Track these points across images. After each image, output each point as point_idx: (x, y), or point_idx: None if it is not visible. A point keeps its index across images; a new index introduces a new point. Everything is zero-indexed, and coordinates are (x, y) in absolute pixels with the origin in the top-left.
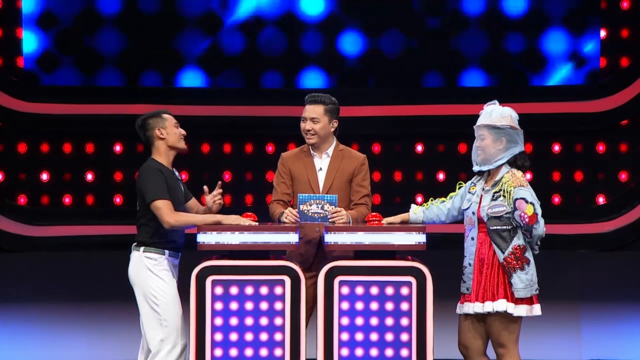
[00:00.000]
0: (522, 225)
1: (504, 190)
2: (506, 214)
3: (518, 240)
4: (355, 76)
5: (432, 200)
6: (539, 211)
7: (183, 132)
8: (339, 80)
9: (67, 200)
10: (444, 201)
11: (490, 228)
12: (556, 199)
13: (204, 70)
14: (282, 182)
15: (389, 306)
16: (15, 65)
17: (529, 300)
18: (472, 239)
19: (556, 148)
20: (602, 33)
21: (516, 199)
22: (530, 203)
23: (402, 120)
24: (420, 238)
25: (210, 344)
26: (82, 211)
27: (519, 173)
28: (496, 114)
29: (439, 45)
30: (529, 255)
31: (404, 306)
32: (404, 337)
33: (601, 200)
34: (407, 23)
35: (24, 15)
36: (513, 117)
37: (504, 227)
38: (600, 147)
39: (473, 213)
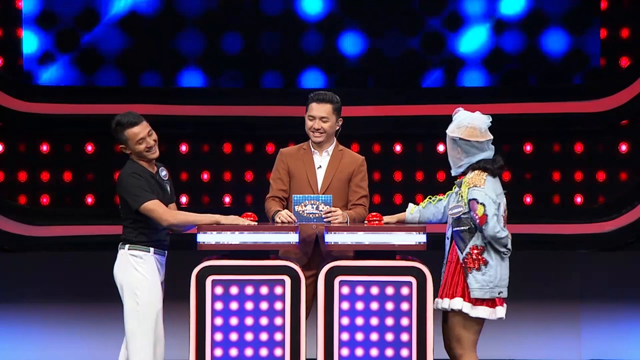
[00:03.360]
0: (477, 225)
1: (461, 191)
2: (464, 214)
3: (477, 241)
4: (355, 76)
5: (429, 198)
6: (490, 212)
7: (150, 143)
8: (339, 80)
9: (67, 200)
10: (441, 199)
11: (453, 229)
12: (556, 199)
13: (204, 70)
14: (279, 178)
15: (389, 306)
16: (15, 65)
17: (490, 303)
18: (447, 238)
19: (556, 148)
20: (602, 33)
21: (470, 199)
22: (481, 204)
23: (402, 120)
24: (420, 238)
25: (210, 344)
26: (82, 211)
27: (483, 174)
28: (454, 123)
29: (438, 45)
30: (488, 256)
31: (404, 306)
32: (404, 337)
33: (601, 200)
34: (407, 23)
35: (24, 15)
36: (473, 127)
37: (463, 228)
38: (600, 147)
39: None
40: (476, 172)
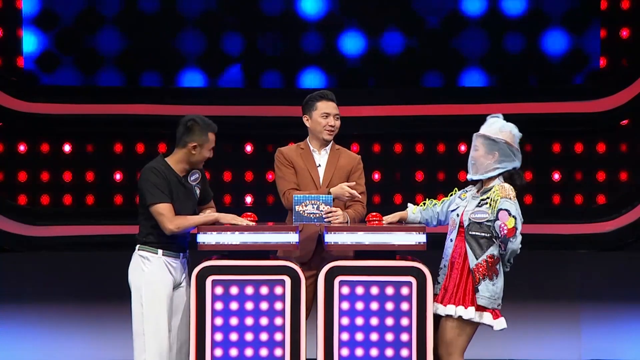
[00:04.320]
0: (499, 236)
1: (491, 199)
2: (487, 221)
3: (494, 250)
4: (355, 76)
5: (427, 200)
6: (519, 227)
7: (211, 156)
8: (339, 80)
9: (67, 200)
10: (436, 204)
11: (470, 233)
12: (556, 199)
13: (204, 70)
14: (288, 172)
15: (389, 306)
16: (15, 65)
17: (493, 313)
18: (451, 240)
19: (556, 148)
20: (602, 33)
21: (500, 209)
22: (513, 216)
23: (402, 120)
24: (420, 238)
25: (210, 344)
26: (82, 211)
27: (509, 187)
28: (496, 126)
29: (439, 45)
30: (499, 268)
31: (404, 306)
32: (404, 337)
33: (601, 200)
34: (407, 23)
35: (24, 15)
36: (513, 134)
37: (483, 235)
38: (600, 147)
39: (457, 215)
40: (506, 184)
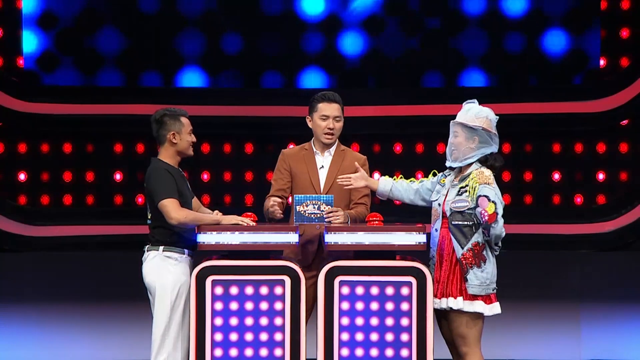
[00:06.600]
0: (481, 222)
1: (469, 186)
2: (468, 209)
3: (478, 237)
4: (355, 76)
5: (400, 177)
6: (500, 211)
7: (194, 139)
8: (339, 80)
9: (67, 200)
10: (413, 181)
11: (452, 223)
12: (556, 199)
13: (204, 70)
14: (280, 177)
15: (389, 306)
16: (15, 65)
17: (486, 299)
18: (436, 230)
19: (556, 148)
20: (602, 33)
21: (479, 195)
22: (492, 201)
23: (402, 120)
24: (420, 238)
25: (210, 344)
26: (82, 211)
27: (488, 171)
28: (472, 113)
29: (439, 45)
30: (487, 253)
31: (404, 306)
32: (404, 337)
33: (601, 200)
34: (407, 23)
35: (24, 15)
36: (490, 119)
37: (466, 223)
38: (600, 147)
39: (439, 205)
40: (484, 169)
